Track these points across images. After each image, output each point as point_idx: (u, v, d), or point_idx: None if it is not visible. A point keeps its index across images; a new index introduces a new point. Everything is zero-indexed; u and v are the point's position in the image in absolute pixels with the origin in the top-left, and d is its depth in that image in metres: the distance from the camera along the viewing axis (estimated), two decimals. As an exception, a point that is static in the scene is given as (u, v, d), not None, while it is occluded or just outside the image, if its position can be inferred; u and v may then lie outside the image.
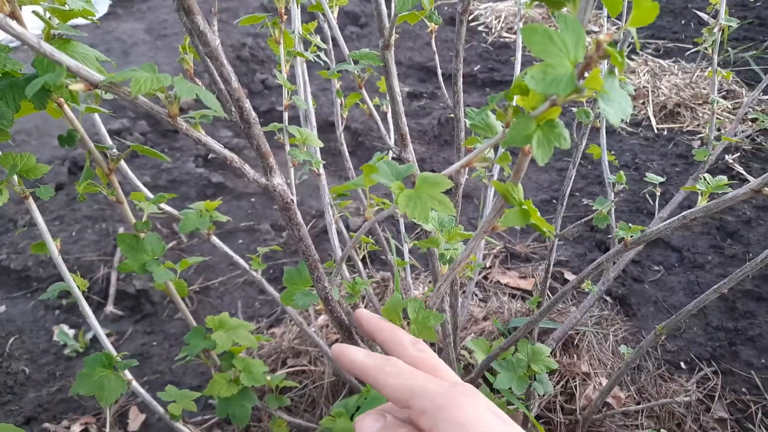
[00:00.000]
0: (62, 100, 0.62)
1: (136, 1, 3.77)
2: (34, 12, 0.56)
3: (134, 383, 0.83)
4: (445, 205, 0.34)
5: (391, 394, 0.42)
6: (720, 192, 0.68)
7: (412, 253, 1.75)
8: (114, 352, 0.80)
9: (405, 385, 0.41)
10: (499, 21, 3.29)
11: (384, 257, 1.26)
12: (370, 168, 0.37)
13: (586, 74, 0.28)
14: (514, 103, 0.44)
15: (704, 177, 0.69)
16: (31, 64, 0.51)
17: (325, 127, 2.27)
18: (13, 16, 0.49)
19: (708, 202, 0.68)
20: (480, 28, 3.30)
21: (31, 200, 0.70)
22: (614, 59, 0.28)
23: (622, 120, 0.29)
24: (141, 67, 0.42)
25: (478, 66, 2.93)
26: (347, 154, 1.15)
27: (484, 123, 0.38)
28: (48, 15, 0.56)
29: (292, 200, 0.48)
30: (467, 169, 0.99)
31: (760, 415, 1.30)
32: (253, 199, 2.10)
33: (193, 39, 0.65)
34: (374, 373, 0.43)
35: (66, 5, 0.56)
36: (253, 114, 0.44)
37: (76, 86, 0.40)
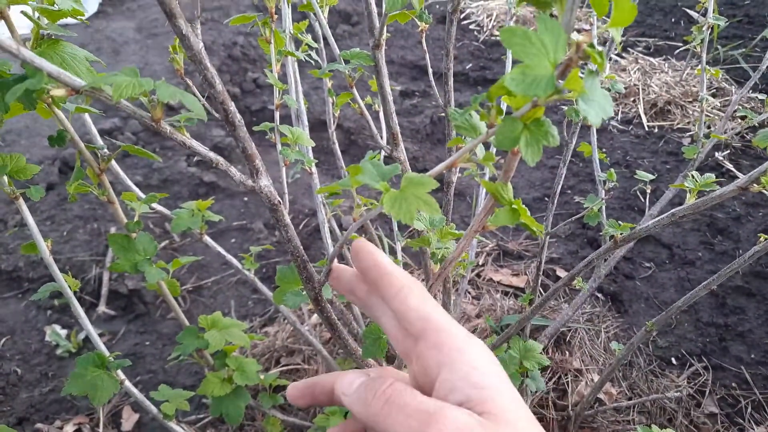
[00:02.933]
0: (51, 100, 0.62)
1: (127, -1, 3.75)
2: (23, 12, 0.56)
3: (127, 383, 0.83)
4: (430, 205, 0.34)
5: (405, 313, 0.38)
6: (708, 189, 0.69)
7: (405, 252, 1.75)
8: (106, 352, 0.80)
9: (425, 311, 0.37)
10: (491, 19, 3.29)
11: (377, 256, 1.26)
12: (355, 169, 0.37)
13: (567, 74, 0.29)
14: (503, 106, 0.44)
15: (692, 175, 0.69)
16: (20, 65, 0.51)
17: (318, 126, 2.27)
18: (1, 16, 0.49)
19: (696, 199, 0.69)
20: (472, 26, 3.31)
21: (21, 201, 0.69)
22: (594, 60, 0.28)
23: (604, 119, 0.30)
24: (122, 71, 0.42)
25: (470, 64, 2.94)
26: (339, 152, 1.15)
27: (467, 124, 0.38)
28: (37, 15, 0.55)
29: (280, 201, 0.48)
30: (458, 167, 0.99)
31: (750, 409, 1.31)
32: (245, 198, 2.10)
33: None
34: (396, 284, 0.39)
35: (55, 5, 0.56)
36: (239, 116, 0.44)
37: (58, 92, 0.40)
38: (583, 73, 0.30)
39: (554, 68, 0.29)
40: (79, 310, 0.79)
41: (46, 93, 0.45)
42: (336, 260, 0.50)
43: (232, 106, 0.44)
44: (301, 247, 0.55)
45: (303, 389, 0.43)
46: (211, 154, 0.47)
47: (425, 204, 0.35)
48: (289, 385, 0.44)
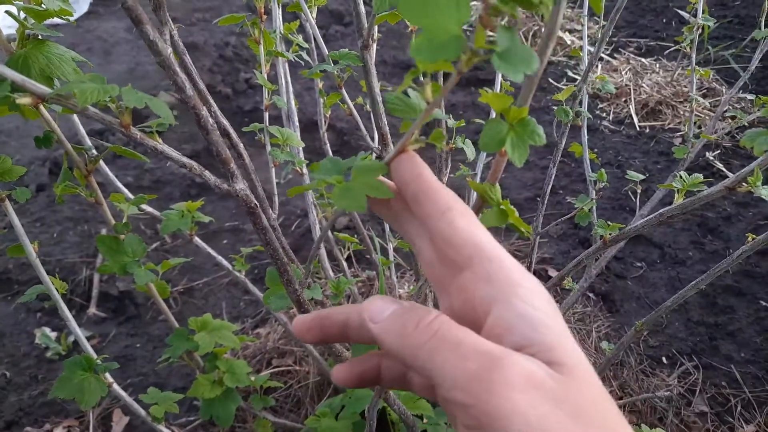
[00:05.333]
0: (38, 101, 0.61)
1: (118, -1, 3.73)
2: (7, 12, 0.55)
3: (115, 386, 0.82)
4: (379, 190, 0.33)
5: (451, 237, 0.32)
6: (696, 190, 0.69)
7: (397, 252, 1.75)
8: (94, 355, 0.79)
9: (474, 234, 0.32)
10: (484, 20, 3.30)
11: (369, 256, 1.26)
12: (316, 166, 0.37)
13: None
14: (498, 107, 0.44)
15: (680, 175, 0.70)
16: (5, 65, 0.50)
17: (310, 126, 2.26)
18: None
19: (684, 199, 0.69)
20: (464, 26, 3.31)
21: (7, 203, 0.69)
22: (510, 12, 0.27)
23: (527, 74, 0.28)
24: (88, 78, 0.42)
25: (463, 65, 2.94)
26: (331, 153, 1.15)
27: (402, 103, 0.37)
28: (23, 15, 0.55)
29: (256, 204, 0.48)
30: (449, 168, 0.99)
31: (739, 408, 1.32)
32: (237, 199, 2.09)
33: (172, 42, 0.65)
34: (443, 202, 0.33)
35: (42, 5, 0.55)
36: (211, 121, 0.44)
37: (24, 100, 0.39)
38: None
39: (460, 28, 0.27)
40: (66, 313, 0.79)
41: (11, 101, 0.44)
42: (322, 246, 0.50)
43: (203, 111, 0.44)
44: (281, 250, 0.54)
45: (310, 322, 0.38)
46: (184, 159, 0.47)
47: (374, 189, 0.33)
48: (295, 318, 0.39)
